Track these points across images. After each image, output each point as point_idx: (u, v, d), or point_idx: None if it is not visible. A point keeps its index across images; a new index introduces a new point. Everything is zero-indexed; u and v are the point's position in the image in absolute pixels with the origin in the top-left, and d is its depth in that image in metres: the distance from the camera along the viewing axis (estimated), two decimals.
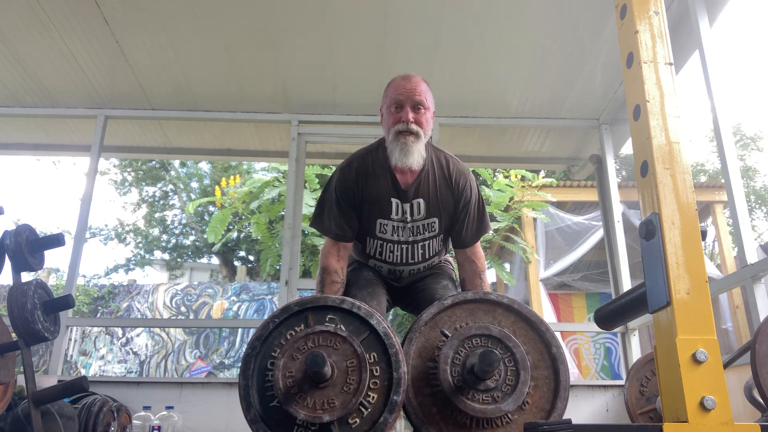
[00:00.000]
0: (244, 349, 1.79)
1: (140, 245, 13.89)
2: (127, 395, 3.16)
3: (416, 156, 1.91)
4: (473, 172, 2.13)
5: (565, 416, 1.44)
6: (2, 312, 5.48)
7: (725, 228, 6.74)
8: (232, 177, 7.09)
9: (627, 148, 5.10)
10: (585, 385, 3.42)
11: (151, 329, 9.13)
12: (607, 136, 4.17)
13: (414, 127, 1.91)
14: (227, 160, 10.48)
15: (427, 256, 2.06)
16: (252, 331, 1.61)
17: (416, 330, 1.59)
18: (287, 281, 3.69)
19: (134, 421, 2.92)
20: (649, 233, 1.12)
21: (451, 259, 2.28)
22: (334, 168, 2.25)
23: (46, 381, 2.69)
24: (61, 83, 3.90)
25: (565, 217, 6.67)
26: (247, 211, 6.62)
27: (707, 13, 2.92)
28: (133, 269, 13.66)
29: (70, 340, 8.83)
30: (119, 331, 9.06)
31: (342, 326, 1.45)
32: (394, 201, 1.97)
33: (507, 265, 7.23)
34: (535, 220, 6.68)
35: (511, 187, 6.37)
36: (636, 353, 3.65)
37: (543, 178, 6.74)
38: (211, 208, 12.20)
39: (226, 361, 8.83)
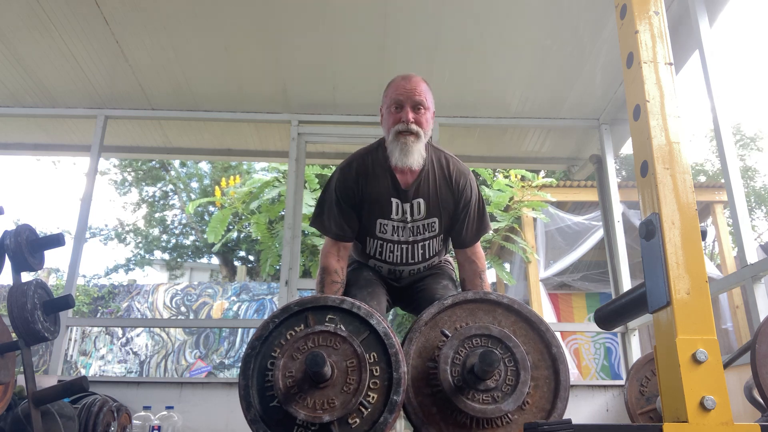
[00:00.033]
0: (244, 349, 1.79)
1: (140, 245, 13.90)
2: (127, 395, 3.16)
3: (416, 156, 1.91)
4: (473, 172, 2.13)
5: (565, 416, 1.44)
6: (2, 312, 5.48)
7: (725, 228, 6.74)
8: (232, 177, 7.09)
9: (627, 148, 5.11)
10: (585, 385, 3.42)
11: (151, 329, 9.13)
12: (607, 136, 4.17)
13: (414, 127, 1.91)
14: (227, 160, 10.48)
15: (427, 256, 2.06)
16: (252, 331, 1.61)
17: (416, 330, 1.59)
18: (287, 281, 3.69)
19: (134, 421, 2.92)
20: (649, 233, 1.12)
21: (451, 259, 2.28)
22: (334, 168, 2.25)
23: (46, 381, 2.69)
24: (61, 83, 3.91)
25: (565, 217, 6.67)
26: (247, 211, 6.62)
27: (707, 13, 2.92)
28: (133, 269, 13.67)
29: (70, 340, 8.83)
30: (119, 331, 9.06)
31: (342, 326, 1.45)
32: (394, 201, 1.97)
33: (507, 265, 7.23)
34: (535, 220, 6.68)
35: (511, 187, 6.37)
36: (636, 353, 3.65)
37: (543, 178, 6.74)
38: (211, 208, 12.20)
39: (226, 361, 8.83)
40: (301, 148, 4.07)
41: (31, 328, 1.97)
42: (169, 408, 3.02)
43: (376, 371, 1.42)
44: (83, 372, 8.84)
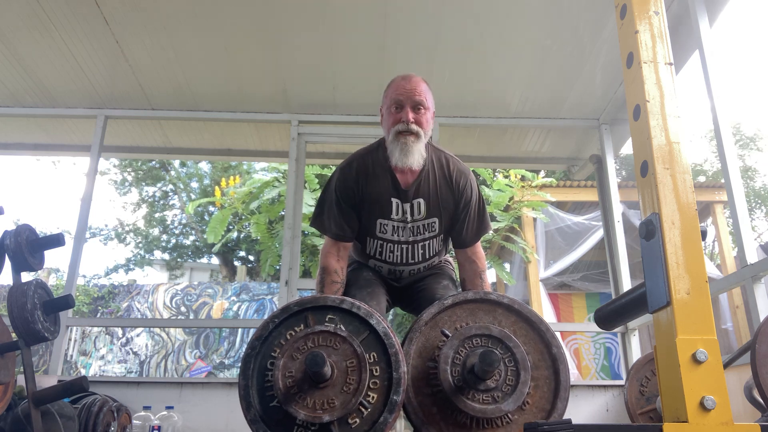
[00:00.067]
0: (244, 349, 1.79)
1: (140, 245, 13.90)
2: (127, 395, 3.16)
3: (416, 156, 1.91)
4: (473, 172, 2.13)
5: (565, 416, 1.44)
6: (2, 312, 5.48)
7: (725, 228, 6.74)
8: (231, 177, 7.09)
9: (627, 148, 5.11)
10: (585, 385, 3.42)
11: (151, 329, 9.13)
12: (607, 136, 4.17)
13: (414, 127, 1.91)
14: (227, 160, 10.48)
15: (427, 256, 2.06)
16: (252, 331, 1.61)
17: (416, 330, 1.59)
18: (287, 281, 3.69)
19: (134, 421, 2.92)
20: (649, 233, 1.12)
21: (451, 259, 2.28)
22: (334, 168, 2.25)
23: (46, 381, 2.70)
24: (61, 83, 3.91)
25: (565, 217, 6.67)
26: (246, 211, 6.62)
27: (707, 13, 2.92)
28: (133, 269, 13.67)
29: (70, 340, 8.83)
30: (119, 331, 9.06)
31: (342, 326, 1.45)
32: (394, 201, 1.97)
33: (507, 265, 7.24)
34: (534, 220, 6.68)
35: (510, 186, 6.37)
36: (636, 353, 3.65)
37: (543, 178, 6.74)
38: (211, 208, 12.21)
39: (226, 361, 8.83)
40: (301, 148, 4.07)
41: (31, 328, 1.97)
42: (169, 408, 3.02)
43: (376, 371, 1.42)
44: (83, 372, 8.84)
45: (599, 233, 6.19)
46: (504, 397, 1.47)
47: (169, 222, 14.22)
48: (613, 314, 1.34)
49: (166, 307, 9.36)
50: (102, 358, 8.97)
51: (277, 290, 9.09)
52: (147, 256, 13.95)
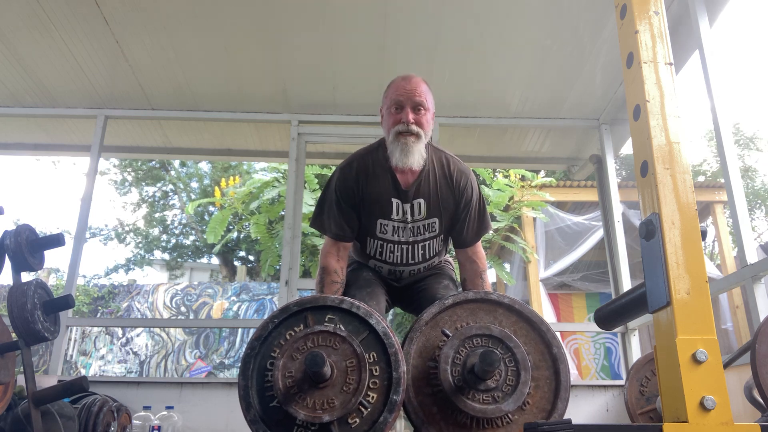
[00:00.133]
0: (243, 349, 1.79)
1: (140, 245, 13.90)
2: (127, 395, 3.16)
3: (417, 156, 1.91)
4: (473, 171, 2.13)
5: (565, 416, 1.44)
6: (2, 312, 5.48)
7: (725, 228, 6.74)
8: (231, 177, 7.09)
9: (627, 148, 5.11)
10: (585, 385, 3.42)
11: (151, 329, 9.13)
12: (607, 136, 4.18)
13: (414, 127, 1.91)
14: (227, 160, 10.48)
15: (427, 257, 2.06)
16: (252, 331, 1.61)
17: (417, 329, 1.59)
18: (287, 281, 3.69)
19: (134, 421, 2.92)
20: (649, 233, 1.12)
21: (451, 260, 2.28)
22: (334, 168, 2.25)
23: (46, 381, 2.70)
24: (61, 83, 3.91)
25: (565, 217, 6.67)
26: (246, 211, 6.62)
27: (707, 13, 2.92)
28: (133, 269, 13.67)
29: (70, 340, 8.83)
30: (119, 331, 9.06)
31: (341, 326, 1.45)
32: (394, 201, 1.97)
33: (507, 265, 7.23)
34: (534, 219, 6.68)
35: (510, 186, 6.37)
36: (636, 353, 3.65)
37: (542, 177, 6.74)
38: (211, 209, 12.21)
39: (226, 361, 8.83)
40: (301, 148, 4.07)
41: (31, 328, 1.97)
42: (169, 408, 3.02)
43: (376, 371, 1.42)
44: (83, 372, 8.84)
45: (599, 233, 6.19)
46: (504, 397, 1.47)
47: (169, 222, 14.23)
48: (613, 314, 1.34)
49: (166, 307, 9.36)
50: (102, 358, 8.97)
51: (277, 290, 9.09)
52: (147, 256, 13.96)
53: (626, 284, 3.79)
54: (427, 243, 2.03)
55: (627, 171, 11.73)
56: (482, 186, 5.94)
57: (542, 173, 7.42)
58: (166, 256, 14.13)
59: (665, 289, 1.06)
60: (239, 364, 1.45)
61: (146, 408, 2.98)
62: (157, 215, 13.98)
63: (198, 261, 14.84)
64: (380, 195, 1.96)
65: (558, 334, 1.62)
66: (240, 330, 9.11)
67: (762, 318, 2.44)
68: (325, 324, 1.45)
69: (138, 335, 9.07)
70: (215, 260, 14.25)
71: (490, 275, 6.07)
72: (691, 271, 1.06)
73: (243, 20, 3.33)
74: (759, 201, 11.60)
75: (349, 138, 4.21)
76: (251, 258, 13.04)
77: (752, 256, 2.62)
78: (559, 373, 1.54)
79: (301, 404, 1.37)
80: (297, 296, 3.62)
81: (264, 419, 1.39)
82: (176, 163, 13.02)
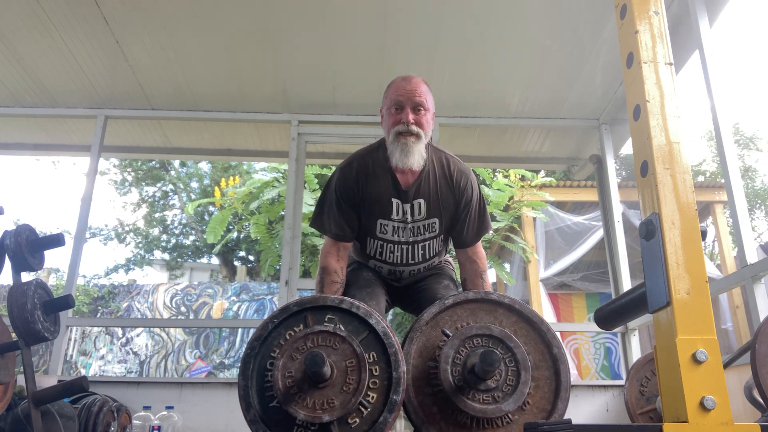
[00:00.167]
0: (243, 350, 1.79)
1: (140, 245, 13.90)
2: (127, 395, 3.16)
3: (417, 157, 1.91)
4: (473, 171, 2.13)
5: (565, 416, 1.44)
6: (2, 312, 5.49)
7: (725, 228, 6.74)
8: (231, 177, 7.09)
9: (627, 148, 5.11)
10: (585, 385, 3.41)
11: (151, 329, 9.13)
12: (607, 136, 4.18)
13: (414, 128, 1.91)
14: (227, 160, 10.48)
15: (427, 257, 2.06)
16: (252, 331, 1.60)
17: (417, 329, 1.59)
18: (287, 281, 3.69)
19: (134, 421, 2.92)
20: (649, 233, 1.12)
21: (451, 260, 2.28)
22: (334, 168, 2.25)
23: (46, 381, 2.69)
24: (61, 83, 3.91)
25: (565, 217, 6.67)
26: (246, 211, 6.62)
27: (707, 13, 2.92)
28: (133, 269, 13.67)
29: (70, 340, 8.83)
30: (119, 331, 9.07)
31: (341, 326, 1.45)
32: (394, 201, 1.97)
33: (507, 265, 7.24)
34: (534, 219, 6.68)
35: (510, 186, 6.37)
36: (636, 353, 3.65)
37: (542, 177, 6.74)
38: (211, 209, 12.21)
39: (226, 361, 8.83)
40: (301, 148, 4.07)
41: (31, 328, 1.97)
42: (169, 408, 3.02)
43: (376, 371, 1.42)
44: (83, 372, 8.84)
45: (599, 233, 6.19)
46: (504, 397, 1.47)
47: (169, 222, 14.23)
48: (613, 314, 1.34)
49: (166, 307, 9.36)
50: (102, 358, 8.97)
51: (277, 290, 9.09)
52: (147, 256, 13.96)
53: (626, 284, 3.79)
54: (427, 243, 2.03)
55: (627, 171, 11.73)
56: (482, 186, 5.94)
57: (542, 173, 7.42)
58: (166, 256, 14.13)
59: (665, 289, 1.06)
60: (239, 364, 1.45)
61: (146, 408, 2.98)
62: (157, 215, 13.98)
63: (198, 261, 14.84)
64: (380, 195, 1.96)
65: (558, 334, 1.62)
66: (240, 330, 9.11)
67: (762, 318, 2.44)
68: (325, 324, 1.45)
69: (138, 335, 9.07)
70: (215, 260, 14.26)
71: (490, 275, 6.07)
72: (691, 271, 1.06)
73: (243, 20, 3.33)
74: (759, 201, 11.59)
75: (349, 138, 4.20)
76: (251, 258, 13.05)
77: (752, 256, 2.62)
78: (559, 374, 1.54)
79: (301, 404, 1.37)
80: (297, 296, 3.62)
81: (264, 419, 1.39)
82: (176, 163, 13.02)
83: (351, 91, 3.96)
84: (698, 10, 2.90)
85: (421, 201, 1.97)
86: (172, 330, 9.13)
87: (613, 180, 4.09)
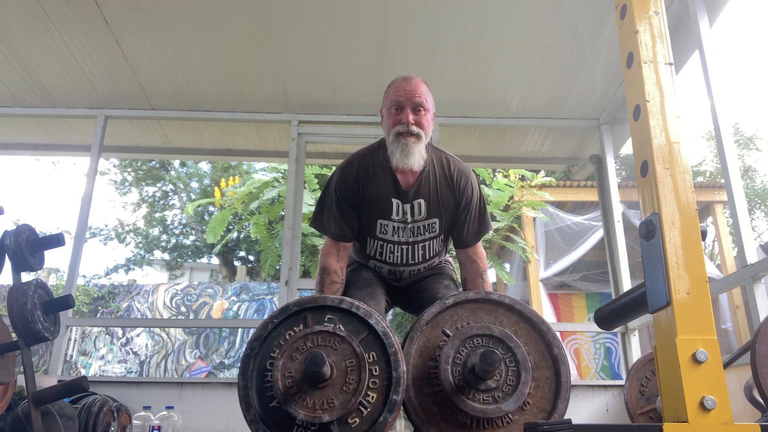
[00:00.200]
0: (243, 350, 1.79)
1: (140, 245, 13.90)
2: (127, 395, 3.16)
3: (417, 157, 1.91)
4: (473, 171, 2.13)
5: (565, 416, 1.44)
6: (2, 312, 5.49)
7: (725, 228, 6.74)
8: (231, 177, 7.09)
9: (627, 148, 5.11)
10: (585, 385, 3.41)
11: (151, 329, 9.13)
12: (607, 136, 4.18)
13: (414, 128, 1.91)
14: (227, 160, 10.48)
15: (427, 257, 2.06)
16: (252, 331, 1.60)
17: (417, 329, 1.59)
18: (287, 281, 3.69)
19: (134, 421, 2.92)
20: (649, 233, 1.12)
21: (451, 260, 2.28)
22: (334, 168, 2.25)
23: (46, 381, 2.69)
24: (61, 83, 3.91)
25: (565, 217, 6.67)
26: (246, 211, 6.62)
27: (707, 13, 2.92)
28: (133, 269, 13.67)
29: (70, 340, 8.83)
30: (119, 331, 9.07)
31: (341, 326, 1.45)
32: (394, 201, 1.97)
33: (507, 265, 7.24)
34: (534, 219, 6.68)
35: (510, 186, 6.37)
36: (636, 353, 3.65)
37: (542, 177, 6.74)
38: (211, 209, 12.21)
39: (226, 361, 8.83)
40: (301, 148, 4.07)
41: (31, 328, 1.97)
42: (169, 408, 3.02)
43: (376, 371, 1.42)
44: (83, 372, 8.84)
45: (599, 233, 6.19)
46: (505, 397, 1.47)
47: (169, 222, 14.23)
48: (613, 314, 1.34)
49: (166, 307, 9.36)
50: (102, 358, 8.97)
51: (277, 290, 9.09)
52: (147, 256, 13.96)
53: (626, 284, 3.79)
54: (427, 243, 2.03)
55: (627, 171, 11.73)
56: (482, 186, 5.94)
57: (542, 173, 7.42)
58: (166, 256, 14.13)
59: (665, 289, 1.06)
60: (239, 364, 1.45)
61: (146, 408, 2.98)
62: (157, 215, 13.98)
63: (198, 261, 14.84)
64: (380, 195, 1.96)
65: (558, 334, 1.62)
66: (240, 330, 9.11)
67: (762, 318, 2.44)
68: (325, 324, 1.45)
69: (138, 335, 9.07)
70: (215, 260, 14.26)
71: (490, 275, 6.06)
72: (691, 271, 1.06)
73: (243, 20, 3.33)
74: (759, 201, 11.59)
75: (349, 138, 4.21)
76: (251, 258, 13.05)
77: (752, 256, 2.62)
78: (559, 374, 1.54)
79: (301, 404, 1.37)
80: (297, 296, 3.62)
81: (264, 419, 1.39)
82: (176, 163, 13.02)
83: (351, 91, 3.96)
84: (698, 10, 2.90)
85: (421, 201, 1.97)
86: (172, 330, 9.13)
87: (613, 180, 4.09)
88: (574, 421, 1.08)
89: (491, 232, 5.92)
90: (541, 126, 4.30)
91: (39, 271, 2.60)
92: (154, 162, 12.80)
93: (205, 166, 13.23)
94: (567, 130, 4.40)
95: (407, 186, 1.97)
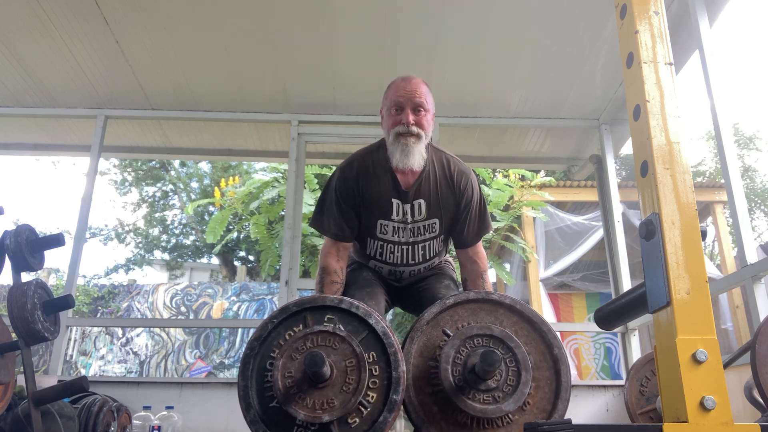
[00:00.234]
0: (243, 350, 1.79)
1: (140, 245, 13.90)
2: (127, 395, 3.16)
3: (417, 157, 1.91)
4: (473, 171, 2.14)
5: (565, 416, 1.44)
6: (2, 312, 5.48)
7: (725, 228, 6.74)
8: (231, 177, 7.09)
9: (627, 148, 5.11)
10: (585, 385, 3.42)
11: (151, 329, 9.13)
12: (607, 136, 4.18)
13: (414, 128, 1.91)
14: (227, 160, 10.48)
15: (427, 257, 2.06)
16: (252, 331, 1.60)
17: (418, 329, 1.59)
18: (287, 281, 3.69)
19: (134, 421, 2.92)
20: (649, 233, 1.12)
21: (451, 260, 2.28)
22: (334, 168, 2.25)
23: (46, 381, 2.69)
24: (61, 83, 3.91)
25: (565, 217, 6.67)
26: (246, 211, 6.62)
27: (707, 13, 2.92)
28: (133, 269, 13.67)
29: (70, 340, 8.83)
30: (119, 331, 9.07)
31: (340, 326, 1.45)
32: (394, 202, 1.97)
33: (507, 265, 7.23)
34: (534, 219, 6.68)
35: (510, 186, 6.37)
36: (636, 353, 3.65)
37: (542, 177, 6.74)
38: (211, 209, 12.21)
39: (226, 361, 8.83)
40: (301, 148, 4.07)
41: (31, 328, 1.97)
42: (169, 408, 3.02)
43: (375, 370, 1.42)
44: (83, 372, 8.84)
45: (599, 233, 6.19)
46: (505, 397, 1.47)
47: (169, 222, 14.23)
48: (613, 314, 1.34)
49: (166, 307, 9.36)
50: (102, 358, 8.97)
51: (277, 290, 9.09)
52: (147, 256, 13.96)
53: (626, 284, 3.79)
54: (427, 243, 2.03)
55: (627, 171, 11.72)
56: (482, 186, 5.93)
57: (542, 173, 7.42)
58: (166, 256, 14.13)
59: (665, 289, 1.06)
60: (239, 364, 1.45)
61: (146, 408, 2.98)
62: (157, 215, 13.98)
63: (198, 261, 14.84)
64: (380, 195, 1.96)
65: (558, 334, 1.62)
66: (240, 330, 9.11)
67: (762, 318, 2.44)
68: (325, 324, 1.45)
69: (138, 335, 9.07)
70: (215, 260, 14.26)
71: (490, 275, 6.06)
72: (691, 271, 1.06)
73: (243, 20, 3.33)
74: (759, 201, 11.59)
75: (349, 138, 4.21)
76: (251, 258, 13.05)
77: (752, 256, 2.62)
78: (559, 374, 1.54)
79: (301, 404, 1.37)
80: (297, 296, 3.62)
81: (264, 419, 1.39)
82: (176, 163, 13.02)
83: (351, 91, 3.96)
84: (698, 10, 2.90)
85: (422, 201, 1.97)
86: (172, 330, 9.13)
87: (613, 180, 4.09)
88: (574, 421, 1.08)
89: (491, 232, 5.91)
90: (541, 126, 4.30)
91: (39, 271, 2.60)
92: (154, 162, 12.80)
93: (205, 166, 13.24)
94: (567, 130, 4.40)
95: (407, 186, 1.97)
